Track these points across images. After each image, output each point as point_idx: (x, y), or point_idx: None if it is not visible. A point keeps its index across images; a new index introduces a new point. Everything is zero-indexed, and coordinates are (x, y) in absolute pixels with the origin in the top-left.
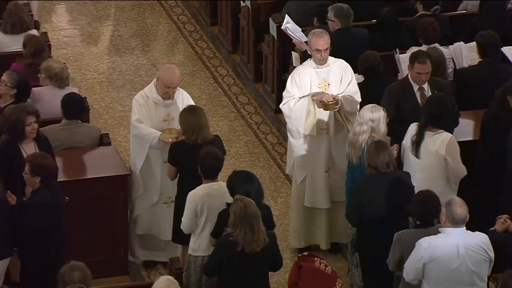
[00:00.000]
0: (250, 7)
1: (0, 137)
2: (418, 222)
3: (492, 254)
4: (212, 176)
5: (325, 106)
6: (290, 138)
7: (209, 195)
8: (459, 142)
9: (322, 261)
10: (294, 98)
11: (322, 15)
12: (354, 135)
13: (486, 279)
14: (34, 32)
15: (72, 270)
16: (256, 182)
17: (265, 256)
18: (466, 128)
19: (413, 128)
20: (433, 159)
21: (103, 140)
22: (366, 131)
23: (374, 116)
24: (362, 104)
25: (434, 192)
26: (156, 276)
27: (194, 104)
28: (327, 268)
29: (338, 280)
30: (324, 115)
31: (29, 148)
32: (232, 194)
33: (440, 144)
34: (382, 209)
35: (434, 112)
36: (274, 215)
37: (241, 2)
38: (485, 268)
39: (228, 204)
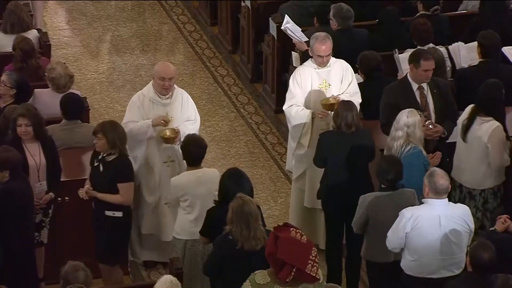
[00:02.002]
0: (250, 7)
1: (7, 133)
2: (383, 186)
3: (472, 226)
4: (195, 163)
5: (326, 106)
6: (289, 138)
7: (193, 182)
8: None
9: (297, 231)
10: (298, 106)
11: (322, 15)
12: (391, 140)
13: (465, 249)
14: (34, 32)
15: (76, 270)
16: (245, 183)
17: (264, 255)
18: None
19: (468, 110)
20: (476, 145)
21: None
22: (401, 136)
23: (410, 121)
24: (363, 104)
25: (397, 157)
26: (156, 276)
27: (193, 103)
28: (302, 238)
29: (313, 248)
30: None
31: (32, 148)
32: (219, 193)
33: (485, 131)
34: (343, 168)
35: (489, 96)
36: (274, 215)
37: (241, 2)
38: (465, 239)
39: (216, 202)
